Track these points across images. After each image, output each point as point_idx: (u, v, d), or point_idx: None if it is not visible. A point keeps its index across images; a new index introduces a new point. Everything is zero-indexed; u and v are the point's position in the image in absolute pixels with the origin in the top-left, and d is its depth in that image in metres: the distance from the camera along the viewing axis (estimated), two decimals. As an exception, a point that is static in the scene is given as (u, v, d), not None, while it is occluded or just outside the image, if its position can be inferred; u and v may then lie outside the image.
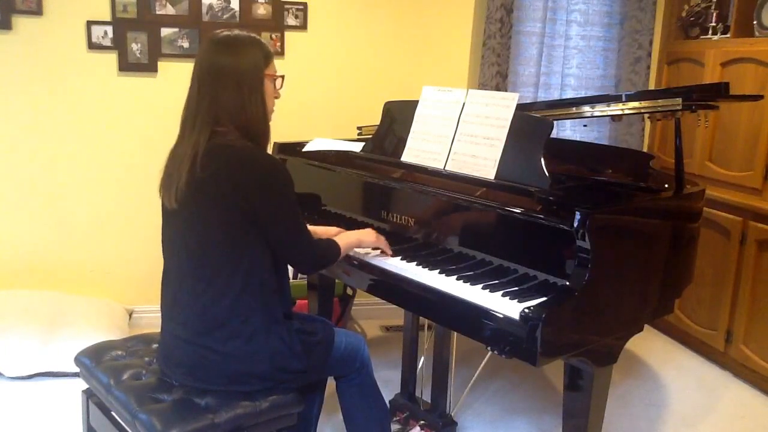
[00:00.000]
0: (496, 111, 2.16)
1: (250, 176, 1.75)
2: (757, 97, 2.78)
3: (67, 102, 3.31)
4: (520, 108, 2.20)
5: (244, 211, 1.76)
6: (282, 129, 3.15)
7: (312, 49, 3.54)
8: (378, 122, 2.61)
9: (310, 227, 2.25)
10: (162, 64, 3.36)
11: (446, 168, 2.24)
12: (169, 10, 3.32)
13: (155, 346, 2.07)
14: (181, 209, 1.80)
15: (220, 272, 1.79)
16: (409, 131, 2.41)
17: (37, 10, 3.17)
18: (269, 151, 1.95)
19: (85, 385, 2.05)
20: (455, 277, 1.96)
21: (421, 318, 2.60)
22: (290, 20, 3.48)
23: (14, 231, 3.35)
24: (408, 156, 2.38)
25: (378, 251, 2.17)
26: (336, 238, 2.04)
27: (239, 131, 1.81)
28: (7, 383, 2.88)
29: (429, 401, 2.56)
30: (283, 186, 1.81)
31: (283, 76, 1.92)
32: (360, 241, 2.12)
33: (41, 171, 3.34)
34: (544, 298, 1.76)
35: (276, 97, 1.93)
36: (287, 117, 3.54)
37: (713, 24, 3.54)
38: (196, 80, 1.82)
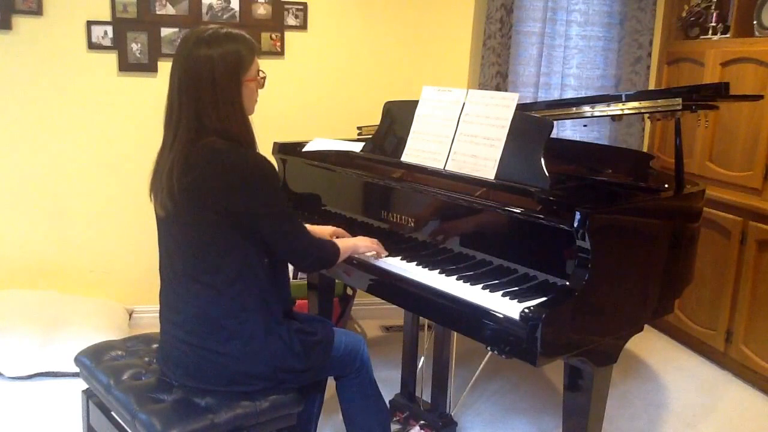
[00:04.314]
0: (496, 111, 2.16)
1: (231, 177, 1.73)
2: (757, 97, 2.78)
3: (67, 102, 3.31)
4: (520, 108, 2.20)
5: (231, 212, 1.75)
6: (282, 129, 3.14)
7: (312, 49, 3.54)
8: (378, 122, 2.61)
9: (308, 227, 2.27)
10: (162, 64, 3.36)
11: (446, 168, 2.24)
12: (169, 10, 3.32)
13: (155, 346, 2.07)
14: (170, 215, 1.79)
15: (214, 273, 1.78)
16: (409, 131, 2.40)
17: (37, 10, 3.17)
18: (269, 150, 1.93)
19: (85, 385, 2.05)
20: (455, 277, 1.97)
21: (421, 318, 2.60)
22: (290, 20, 3.48)
23: (14, 231, 3.35)
24: (408, 156, 2.38)
25: (373, 252, 2.17)
26: (336, 241, 2.04)
27: (221, 137, 1.77)
28: (7, 383, 2.88)
29: (429, 401, 2.56)
30: (265, 182, 1.77)
31: (264, 77, 1.87)
32: (356, 247, 2.12)
33: (41, 171, 3.34)
34: (544, 298, 1.76)
35: (260, 87, 1.86)
36: (287, 117, 3.54)
37: (713, 24, 3.54)
38: (176, 80, 1.78)
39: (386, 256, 2.16)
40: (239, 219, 1.76)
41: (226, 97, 1.76)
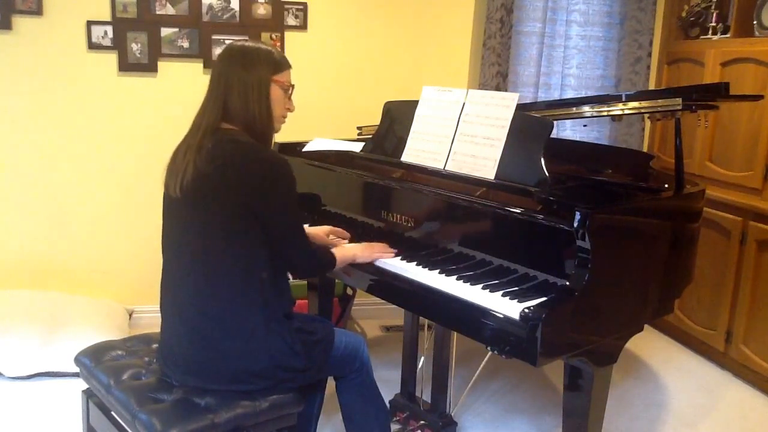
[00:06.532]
0: (496, 111, 2.16)
1: (254, 172, 1.77)
2: (757, 97, 2.78)
3: (67, 102, 3.31)
4: (520, 108, 2.20)
5: (246, 206, 1.77)
6: (282, 129, 3.14)
7: (312, 49, 3.54)
8: (378, 122, 2.61)
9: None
10: (162, 64, 3.36)
11: (446, 168, 2.24)
12: (169, 10, 3.32)
13: (155, 346, 2.08)
14: (185, 198, 1.80)
15: (219, 267, 1.79)
16: (409, 131, 2.40)
17: (37, 10, 3.18)
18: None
19: (85, 385, 2.05)
20: (455, 277, 1.96)
21: (421, 318, 2.60)
22: (290, 20, 3.48)
23: (14, 231, 3.35)
24: (408, 156, 2.38)
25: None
26: (333, 251, 2.06)
27: (244, 129, 1.84)
28: (7, 383, 2.88)
29: (429, 401, 2.56)
30: (286, 185, 1.83)
31: (293, 86, 1.94)
32: (355, 257, 2.12)
33: (41, 171, 3.34)
34: (544, 298, 1.76)
35: (288, 109, 1.96)
36: (287, 117, 3.53)
37: (713, 24, 3.54)
38: (210, 86, 1.89)
39: (394, 255, 2.16)
40: (251, 214, 1.77)
41: (255, 84, 1.84)
